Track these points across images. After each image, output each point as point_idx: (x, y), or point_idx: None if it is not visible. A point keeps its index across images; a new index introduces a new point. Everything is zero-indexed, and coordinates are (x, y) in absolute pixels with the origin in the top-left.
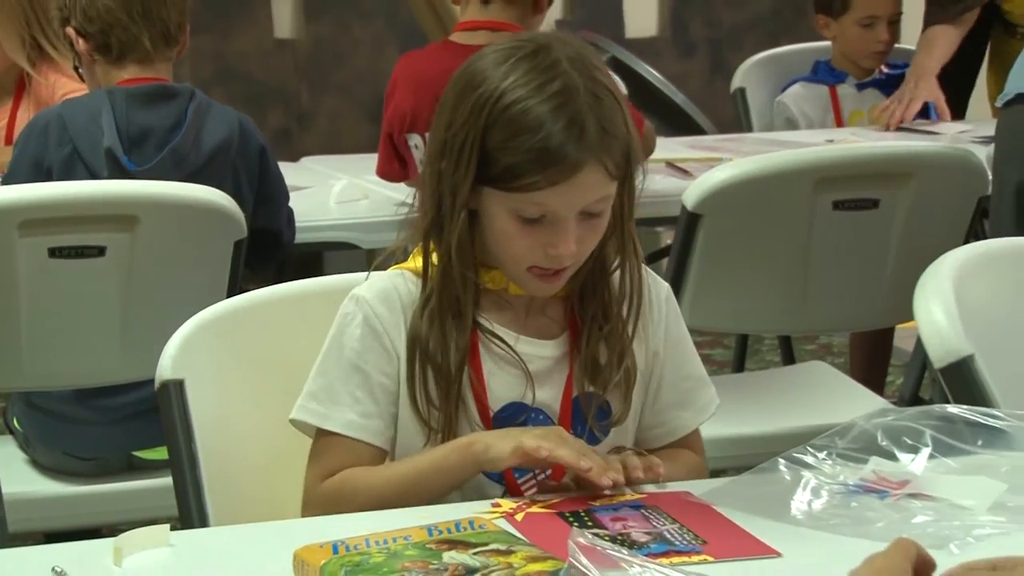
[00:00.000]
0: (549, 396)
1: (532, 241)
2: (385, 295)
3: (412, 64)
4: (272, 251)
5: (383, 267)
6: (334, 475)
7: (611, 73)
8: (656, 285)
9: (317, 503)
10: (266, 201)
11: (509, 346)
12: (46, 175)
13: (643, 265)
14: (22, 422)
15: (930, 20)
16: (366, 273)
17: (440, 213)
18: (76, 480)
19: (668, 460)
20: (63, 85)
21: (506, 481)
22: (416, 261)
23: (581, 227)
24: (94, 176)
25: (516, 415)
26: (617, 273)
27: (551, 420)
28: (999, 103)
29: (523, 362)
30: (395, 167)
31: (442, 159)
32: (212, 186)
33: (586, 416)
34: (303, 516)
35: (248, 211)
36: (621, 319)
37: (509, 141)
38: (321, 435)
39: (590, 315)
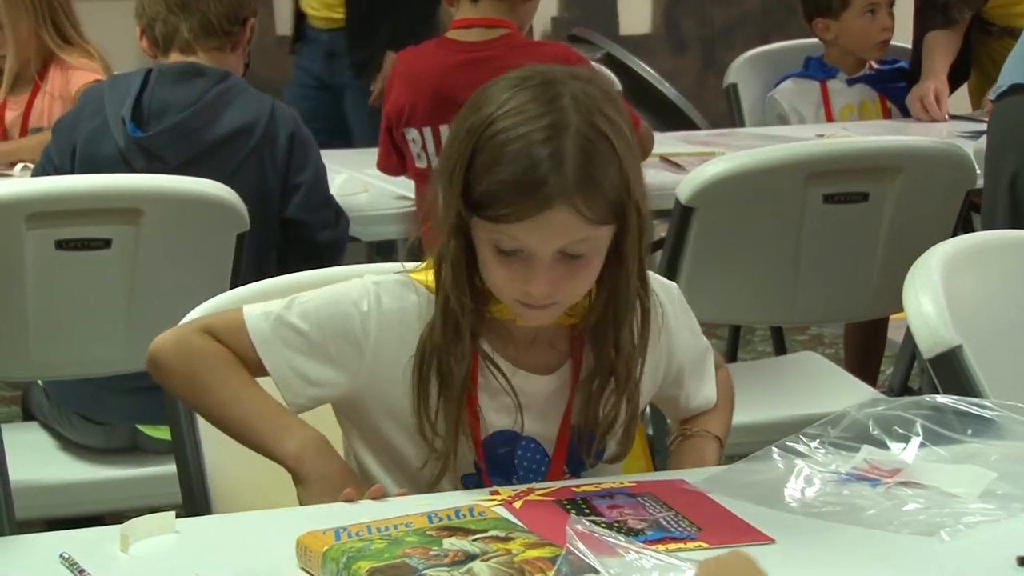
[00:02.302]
0: (543, 427)
1: (511, 274)
2: (402, 314)
3: (409, 60)
4: (310, 250)
5: (413, 251)
6: (210, 339)
7: (622, 121)
8: (667, 292)
9: (173, 341)
10: (294, 190)
11: (504, 377)
12: (72, 147)
13: (647, 284)
14: (48, 379)
15: (926, 27)
16: (367, 266)
17: (442, 245)
18: (84, 457)
19: (713, 416)
20: (80, 78)
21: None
22: (428, 275)
23: (560, 267)
24: (117, 144)
25: (504, 443)
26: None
27: (543, 449)
28: (991, 96)
29: (515, 393)
30: (394, 161)
31: (440, 180)
32: (225, 167)
33: (580, 451)
34: (158, 337)
35: (275, 202)
36: (629, 370)
37: (488, 168)
38: (236, 313)
39: (599, 358)
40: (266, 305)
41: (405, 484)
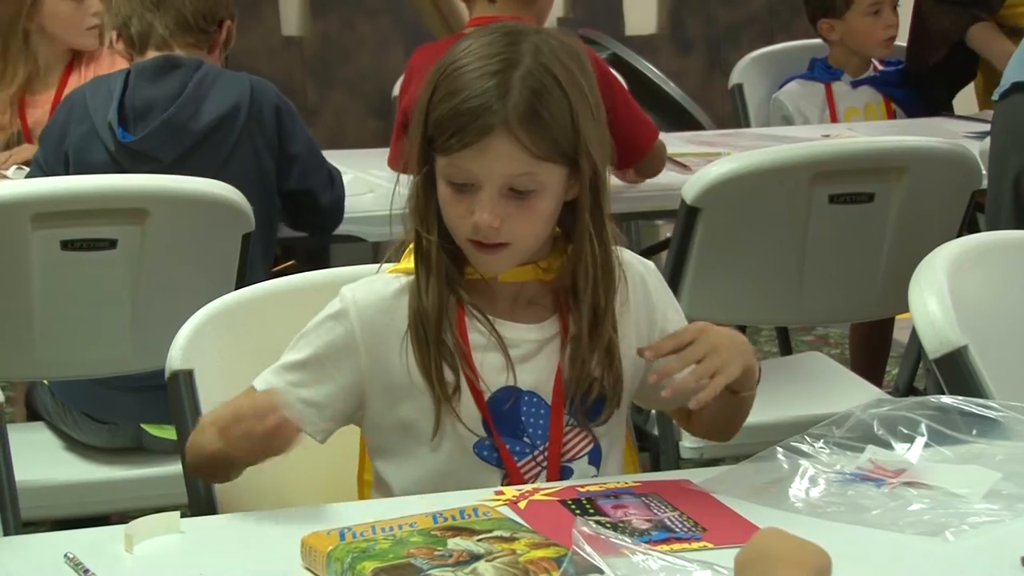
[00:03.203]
0: (538, 379)
1: (461, 209)
2: (381, 301)
3: (427, 56)
4: (315, 216)
5: (394, 259)
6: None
7: (582, 77)
8: (645, 266)
9: (187, 449)
10: (291, 162)
11: (491, 326)
12: (64, 155)
13: (620, 249)
14: (53, 379)
15: (965, 23)
16: (374, 266)
17: (411, 187)
18: (89, 457)
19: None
20: (117, 65)
21: (506, 466)
22: (408, 261)
23: (509, 204)
24: (107, 150)
25: (507, 399)
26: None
27: (545, 403)
28: (995, 96)
29: (504, 345)
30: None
31: (412, 122)
32: (219, 154)
33: (576, 398)
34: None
35: (272, 176)
36: (602, 306)
37: (441, 101)
38: (244, 391)
39: (580, 302)
40: (269, 371)
41: (426, 476)
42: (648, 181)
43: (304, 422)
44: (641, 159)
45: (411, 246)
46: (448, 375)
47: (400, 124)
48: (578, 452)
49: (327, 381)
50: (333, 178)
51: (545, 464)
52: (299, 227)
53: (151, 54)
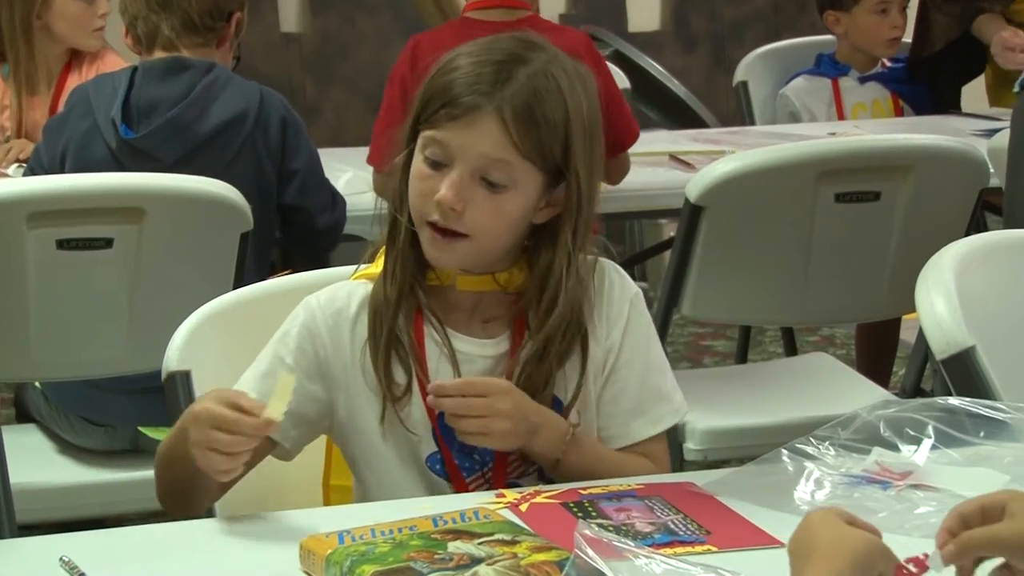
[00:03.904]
0: None
1: (429, 186)
2: (343, 306)
3: (430, 43)
4: (308, 236)
5: (369, 261)
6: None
7: (584, 100)
8: (623, 284)
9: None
10: (290, 176)
11: (447, 337)
12: (62, 151)
13: (610, 264)
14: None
15: (972, 15)
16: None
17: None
18: (84, 459)
19: (613, 462)
20: (115, 64)
21: (451, 478)
22: (371, 267)
23: (476, 190)
24: (108, 147)
25: None
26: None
27: None
28: (1016, 87)
29: (456, 361)
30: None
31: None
32: (220, 160)
33: None
34: None
35: (272, 187)
36: (565, 341)
37: (439, 75)
38: None
39: (535, 327)
40: (236, 385)
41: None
42: (651, 180)
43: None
44: (614, 156)
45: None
46: (399, 375)
47: (386, 116)
48: (523, 474)
49: (296, 390)
50: (335, 201)
51: (486, 487)
52: (291, 244)
53: (159, 54)
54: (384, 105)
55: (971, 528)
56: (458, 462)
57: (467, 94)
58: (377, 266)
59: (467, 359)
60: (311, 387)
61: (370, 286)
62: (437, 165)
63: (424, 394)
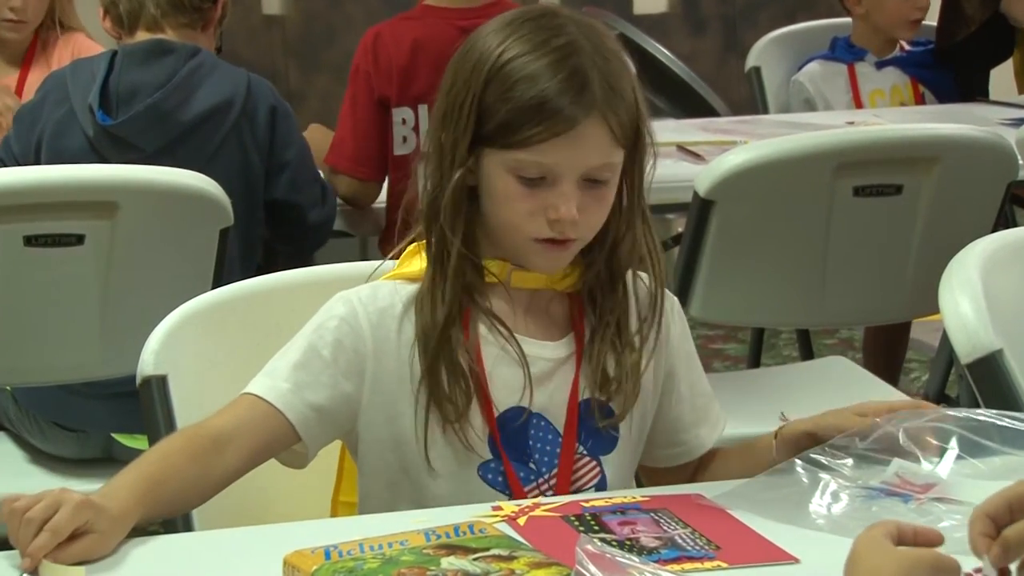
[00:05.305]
0: (548, 400)
1: (532, 205)
2: (390, 309)
3: (392, 34)
4: (298, 232)
5: (396, 259)
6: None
7: (622, 52)
8: (667, 297)
9: None
10: (280, 169)
11: (516, 342)
12: (36, 140)
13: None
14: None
15: None
16: (364, 263)
17: (441, 184)
18: (55, 468)
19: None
20: (88, 48)
21: (513, 492)
22: (404, 267)
23: (585, 195)
24: (85, 135)
25: (517, 418)
26: (630, 273)
27: (552, 425)
28: None
29: (526, 363)
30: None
31: (442, 129)
32: (204, 150)
33: (592, 421)
34: None
35: (259, 180)
36: (635, 324)
37: (507, 93)
38: (237, 401)
39: (601, 317)
40: (262, 374)
41: (422, 498)
42: (658, 172)
43: (305, 426)
44: None
45: (409, 249)
46: (456, 394)
47: (352, 115)
48: (586, 483)
49: (330, 384)
50: (326, 195)
51: (551, 494)
52: (279, 241)
53: (141, 35)
54: (348, 104)
55: (1001, 526)
56: (515, 468)
57: (561, 109)
58: (409, 264)
59: (530, 361)
60: (345, 385)
61: (410, 286)
62: (532, 181)
63: (483, 405)
